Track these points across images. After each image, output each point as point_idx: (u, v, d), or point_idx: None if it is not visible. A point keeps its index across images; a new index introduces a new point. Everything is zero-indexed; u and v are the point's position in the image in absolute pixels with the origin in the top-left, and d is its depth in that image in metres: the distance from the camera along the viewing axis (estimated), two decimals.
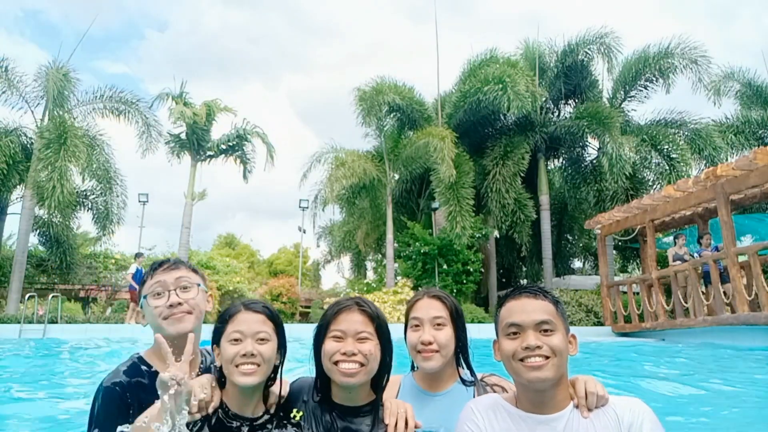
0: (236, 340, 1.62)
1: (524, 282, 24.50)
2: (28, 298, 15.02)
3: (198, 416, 1.58)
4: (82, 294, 22.33)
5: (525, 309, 1.52)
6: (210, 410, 1.61)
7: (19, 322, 13.90)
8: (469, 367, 1.99)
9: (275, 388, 1.77)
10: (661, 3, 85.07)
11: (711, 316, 11.01)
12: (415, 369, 2.02)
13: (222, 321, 1.68)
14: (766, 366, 6.93)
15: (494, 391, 1.86)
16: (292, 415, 1.72)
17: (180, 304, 1.77)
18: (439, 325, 1.90)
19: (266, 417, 1.71)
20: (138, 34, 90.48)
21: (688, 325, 11.51)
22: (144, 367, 1.77)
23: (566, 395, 1.53)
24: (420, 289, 13.37)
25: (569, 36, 19.71)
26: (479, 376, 1.98)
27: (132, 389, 1.70)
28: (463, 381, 1.94)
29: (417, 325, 1.92)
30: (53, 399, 4.88)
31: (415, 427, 1.68)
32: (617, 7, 77.54)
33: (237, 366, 1.59)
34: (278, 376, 1.75)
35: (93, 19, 33.67)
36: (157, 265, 1.85)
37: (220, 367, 1.66)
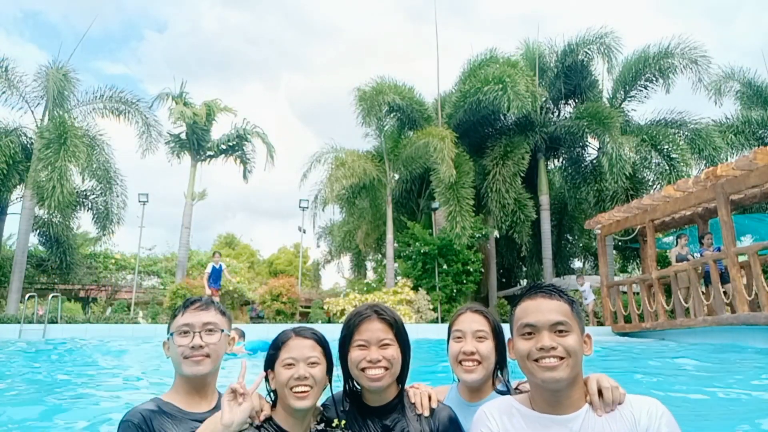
0: (289, 365, 1.76)
1: (524, 282, 24.50)
2: (28, 298, 15.02)
3: (247, 425, 1.71)
4: (82, 294, 22.35)
5: (540, 309, 1.51)
6: (262, 418, 1.75)
7: (19, 322, 13.90)
8: (506, 383, 2.06)
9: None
10: (659, 3, 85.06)
11: (711, 316, 11.01)
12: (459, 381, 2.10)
13: (275, 348, 1.83)
14: (766, 366, 6.92)
15: None
16: (334, 424, 1.84)
17: (201, 347, 1.86)
18: (480, 338, 1.99)
19: None
20: (137, 35, 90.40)
21: (688, 325, 11.51)
22: (167, 408, 1.83)
23: (581, 395, 1.52)
24: (419, 288, 13.31)
25: (569, 36, 19.79)
26: (514, 384, 2.04)
27: (157, 418, 1.76)
28: (499, 391, 2.01)
29: (459, 337, 2.02)
30: (52, 399, 4.88)
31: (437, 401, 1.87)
32: (617, 8, 77.54)
33: (291, 389, 1.73)
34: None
35: (92, 19, 33.65)
36: (189, 303, 1.95)
37: (274, 390, 1.82)
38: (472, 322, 2.02)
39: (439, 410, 1.83)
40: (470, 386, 2.02)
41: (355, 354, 1.79)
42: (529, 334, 1.51)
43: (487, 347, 1.98)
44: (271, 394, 1.84)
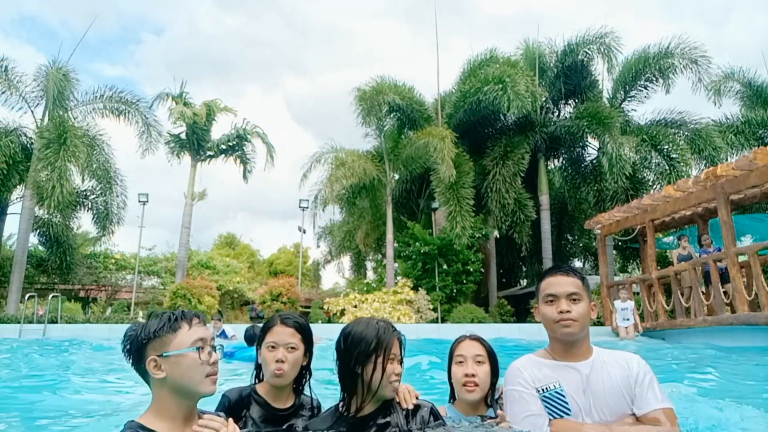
0: (272, 347, 2.08)
1: (524, 282, 24.54)
2: (28, 298, 15.02)
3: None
4: (82, 294, 22.35)
5: (559, 282, 1.98)
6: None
7: (19, 322, 13.91)
8: (495, 406, 2.40)
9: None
10: (658, 4, 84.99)
11: (711, 316, 11.01)
12: (452, 401, 2.47)
13: (264, 330, 2.16)
14: (766, 366, 6.93)
15: None
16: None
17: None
18: (479, 362, 2.35)
19: (295, 407, 2.14)
20: (135, 38, 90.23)
21: (688, 325, 11.51)
22: None
23: (588, 348, 1.99)
24: (419, 288, 13.37)
25: (569, 36, 19.73)
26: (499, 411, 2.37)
27: None
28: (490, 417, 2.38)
29: (461, 362, 2.37)
30: (52, 400, 4.88)
31: (416, 396, 2.09)
32: (616, 8, 77.51)
33: (271, 368, 2.05)
34: (308, 373, 2.20)
35: (91, 21, 33.55)
36: (191, 317, 1.58)
37: (260, 365, 2.15)
38: (471, 347, 2.38)
39: (421, 405, 2.05)
40: (470, 404, 2.35)
41: (389, 367, 1.96)
42: (551, 301, 1.97)
43: (485, 370, 2.34)
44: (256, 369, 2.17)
